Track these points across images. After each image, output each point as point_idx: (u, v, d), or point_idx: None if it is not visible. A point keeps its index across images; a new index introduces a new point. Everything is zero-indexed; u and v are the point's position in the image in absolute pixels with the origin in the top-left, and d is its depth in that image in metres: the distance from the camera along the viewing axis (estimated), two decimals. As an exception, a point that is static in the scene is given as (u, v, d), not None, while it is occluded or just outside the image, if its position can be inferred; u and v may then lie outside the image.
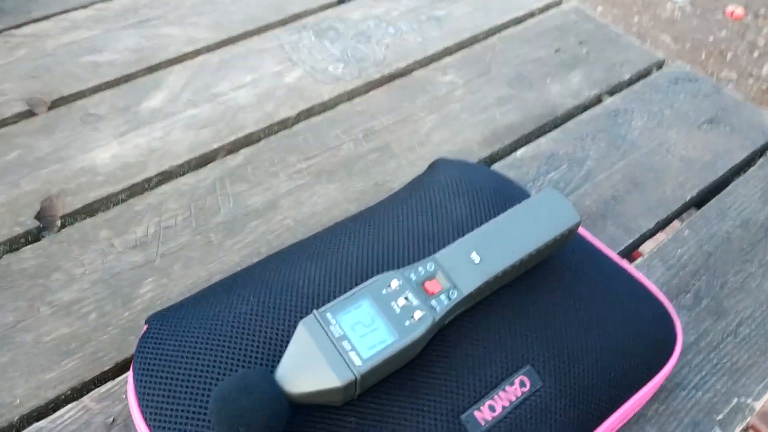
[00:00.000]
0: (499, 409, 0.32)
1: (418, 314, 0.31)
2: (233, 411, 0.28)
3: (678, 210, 0.51)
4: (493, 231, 0.35)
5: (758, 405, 0.39)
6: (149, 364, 0.34)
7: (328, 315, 0.31)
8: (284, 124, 0.55)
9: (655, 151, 0.55)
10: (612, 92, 0.62)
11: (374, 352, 0.30)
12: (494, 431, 0.32)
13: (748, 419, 0.39)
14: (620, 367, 0.36)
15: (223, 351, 0.33)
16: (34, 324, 0.40)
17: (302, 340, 0.30)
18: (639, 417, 0.38)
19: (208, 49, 0.62)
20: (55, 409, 0.37)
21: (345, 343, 0.30)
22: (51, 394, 0.37)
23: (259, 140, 0.54)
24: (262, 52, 0.61)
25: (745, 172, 0.55)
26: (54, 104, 0.55)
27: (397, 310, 0.31)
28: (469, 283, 0.33)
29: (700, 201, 0.53)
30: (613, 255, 0.42)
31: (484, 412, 0.32)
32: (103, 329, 0.40)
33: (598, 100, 0.61)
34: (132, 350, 0.39)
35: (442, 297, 0.32)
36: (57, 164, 0.50)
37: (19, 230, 0.45)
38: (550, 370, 0.34)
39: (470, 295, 0.33)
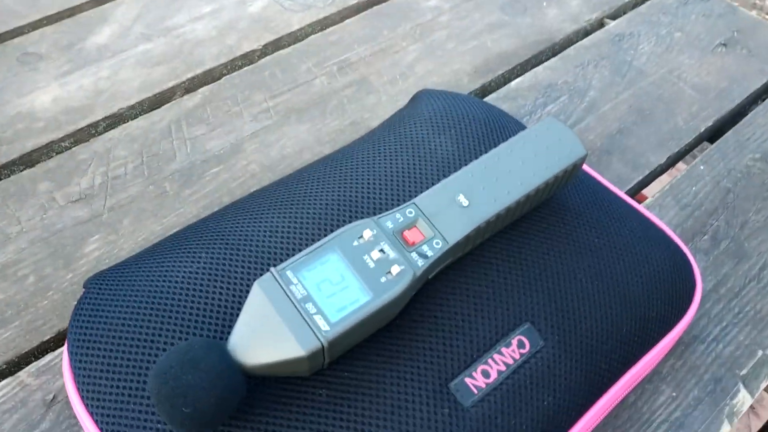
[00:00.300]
0: (494, 375, 0.27)
1: (396, 269, 0.26)
2: (176, 389, 0.23)
3: (691, 143, 0.46)
4: (483, 168, 0.29)
5: (786, 357, 0.35)
6: (85, 334, 0.29)
7: (289, 273, 0.26)
8: (248, 59, 0.49)
9: (664, 79, 0.50)
10: (615, 15, 0.56)
11: (344, 315, 0.25)
12: (489, 400, 0.27)
13: (775, 374, 0.34)
14: (632, 321, 0.31)
15: (169, 317, 0.28)
16: (-39, 291, 0.35)
17: (258, 302, 0.25)
18: (653, 375, 0.34)
19: (163, -23, 0.55)
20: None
21: (309, 305, 0.25)
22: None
23: (219, 77, 0.48)
24: (224, -20, 0.55)
25: (764, 99, 0.49)
26: (-12, 43, 0.49)
27: (371, 265, 0.26)
28: (456, 230, 0.28)
29: (715, 133, 0.48)
30: (621, 194, 0.36)
31: (477, 379, 0.27)
32: (42, 294, 0.35)
33: (600, 24, 0.55)
34: (74, 318, 0.34)
35: (425, 248, 0.27)
36: (-10, 110, 0.44)
37: (-55, 185, 0.40)
38: (552, 328, 0.29)
39: (458, 245, 0.28)
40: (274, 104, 0.46)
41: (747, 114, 0.48)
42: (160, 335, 0.28)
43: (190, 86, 0.47)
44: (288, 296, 0.25)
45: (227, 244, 0.30)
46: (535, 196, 0.30)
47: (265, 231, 0.31)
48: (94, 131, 0.44)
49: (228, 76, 0.48)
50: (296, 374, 0.26)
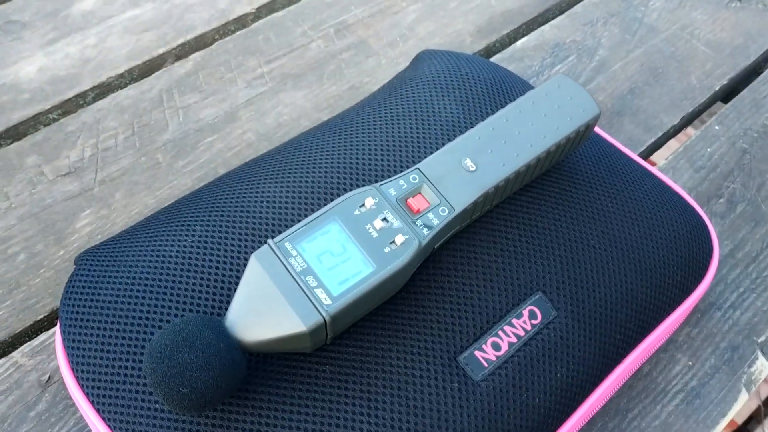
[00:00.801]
0: (505, 347, 0.26)
1: (400, 238, 0.25)
2: (171, 369, 0.22)
3: (705, 102, 0.44)
4: (491, 130, 0.28)
5: (807, 323, 0.34)
6: (78, 313, 0.27)
7: (287, 244, 0.24)
8: (241, 23, 0.47)
9: (677, 36, 0.47)
10: (624, -30, 0.53)
11: (347, 288, 0.24)
12: (499, 373, 0.26)
13: (795, 340, 0.33)
14: (648, 288, 0.29)
15: (163, 294, 0.27)
16: (-51, 271, 0.34)
17: (255, 276, 0.24)
18: (669, 343, 0.33)
19: (151, -61, 0.52)
20: (-26, 371, 0.31)
21: (310, 279, 0.24)
22: (-33, 355, 0.31)
23: (211, 43, 0.46)
24: (214, -60, 0.52)
25: (780, 55, 0.47)
26: (-31, 11, 0.47)
27: (374, 235, 0.25)
28: (463, 196, 0.26)
29: (730, 92, 0.46)
30: (635, 156, 0.35)
31: (487, 352, 0.26)
32: (34, 272, 0.34)
33: (607, -20, 0.53)
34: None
35: (430, 216, 0.26)
36: (-27, 81, 0.42)
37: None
38: (565, 297, 0.28)
39: (465, 212, 0.26)
40: (269, 70, 0.44)
41: (763, 71, 0.46)
42: (154, 312, 0.26)
43: (181, 53, 0.45)
44: (287, 269, 0.24)
45: (222, 215, 0.29)
46: (545, 159, 0.28)
47: (261, 201, 0.29)
48: (82, 102, 0.42)
49: (220, 41, 0.46)
50: (298, 351, 0.24)
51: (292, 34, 0.46)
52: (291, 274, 0.24)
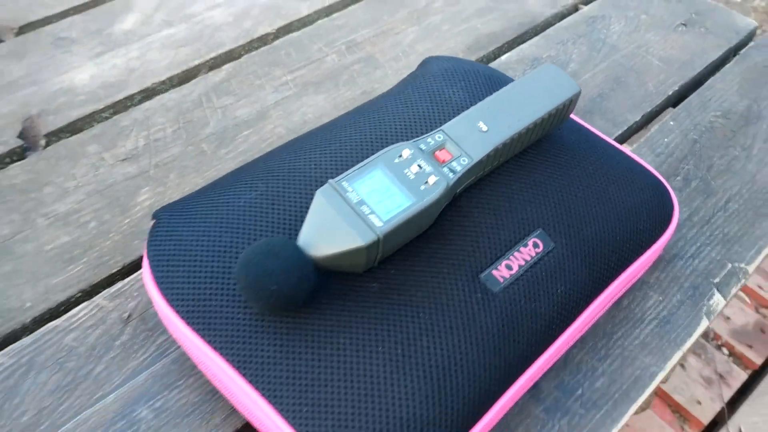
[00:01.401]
0: (515, 268, 0.33)
1: (432, 179, 0.31)
2: (263, 271, 0.28)
3: (661, 104, 0.52)
4: (498, 102, 0.35)
5: (751, 268, 0.41)
6: (164, 250, 0.33)
7: (344, 183, 0.31)
8: (264, 41, 0.54)
9: (634, 53, 0.56)
10: (588, 1, 0.62)
11: (393, 215, 0.30)
12: (513, 288, 0.32)
13: (743, 281, 0.40)
14: (624, 231, 0.36)
15: (237, 230, 0.32)
16: (33, 235, 0.39)
17: (321, 207, 0.30)
18: (642, 284, 0.40)
19: (178, -28, 0.60)
20: (67, 310, 0.36)
21: (364, 208, 0.30)
22: (61, 297, 0.36)
23: (240, 56, 0.52)
24: (235, -26, 0.60)
25: (720, 69, 0.56)
26: (21, 30, 0.53)
27: (411, 177, 0.31)
28: (479, 150, 0.33)
29: (679, 99, 0.54)
30: (608, 139, 0.42)
31: (502, 271, 0.32)
32: (104, 236, 0.39)
33: (575, 8, 0.62)
34: (137, 253, 0.39)
35: (454, 164, 0.32)
36: (32, 87, 0.48)
37: (2, 149, 0.44)
38: (560, 233, 0.34)
39: (480, 163, 0.33)
40: (292, 78, 0.51)
41: (706, 81, 0.55)
42: (232, 245, 0.32)
43: (214, 64, 0.52)
44: (345, 201, 0.30)
45: (278, 176, 0.35)
46: (540, 125, 0.35)
47: (309, 164, 0.36)
48: (130, 103, 0.48)
49: (247, 55, 0.53)
50: (353, 269, 0.30)
51: (309, 50, 0.53)
52: (349, 205, 0.30)
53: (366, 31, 0.56)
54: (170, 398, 0.33)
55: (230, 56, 0.52)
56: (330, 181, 0.31)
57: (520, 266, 0.33)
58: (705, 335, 1.14)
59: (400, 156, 0.32)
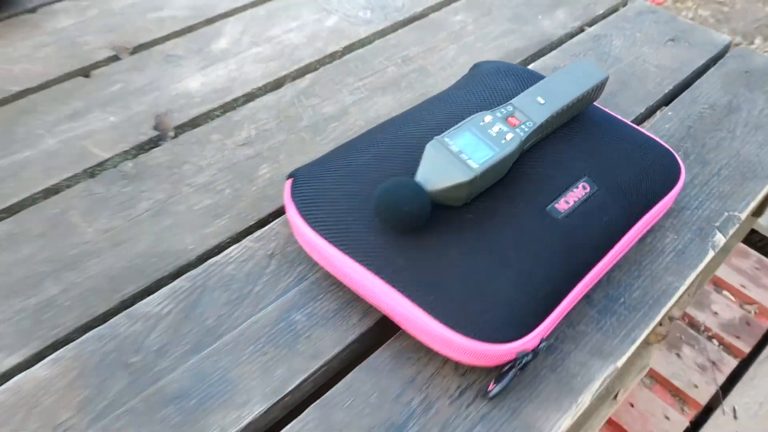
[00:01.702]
0: (571, 203, 0.44)
1: (509, 136, 0.43)
2: (396, 200, 0.39)
3: (660, 100, 0.65)
4: (550, 83, 0.47)
5: (743, 216, 0.52)
6: (305, 194, 0.44)
7: (446, 139, 0.42)
8: (334, 56, 0.66)
9: (634, 63, 0.69)
10: (591, 24, 0.75)
11: (485, 160, 0.41)
12: (570, 216, 0.43)
13: (736, 225, 0.52)
14: (646, 183, 0.48)
15: (362, 178, 0.43)
16: (182, 199, 0.49)
17: (431, 155, 0.41)
18: (659, 227, 0.51)
19: (254, 4, 0.72)
20: (221, 251, 0.46)
21: (463, 155, 0.41)
22: (214, 242, 0.47)
23: (317, 68, 0.64)
24: (300, 5, 0.72)
25: (704, 74, 0.69)
26: (135, 50, 0.64)
27: (494, 135, 0.43)
28: (539, 116, 0.45)
29: (673, 96, 0.67)
30: (625, 120, 0.54)
31: (561, 205, 0.43)
32: (239, 199, 0.50)
33: (581, 29, 0.74)
34: (267, 211, 0.49)
35: (522, 126, 0.44)
36: (156, 92, 0.59)
37: (143, 137, 0.54)
38: (600, 181, 0.46)
39: (540, 126, 0.45)
40: (363, 84, 0.62)
41: (694, 83, 0.67)
42: (360, 187, 0.43)
43: (298, 74, 0.63)
44: (449, 151, 0.41)
45: (384, 143, 0.46)
46: (582, 100, 0.47)
47: (405, 135, 0.47)
48: (236, 104, 0.59)
49: (323, 67, 0.64)
50: (455, 203, 0.41)
51: (372, 63, 0.65)
52: (452, 153, 0.41)
53: (415, 48, 0.68)
54: (316, 306, 0.43)
55: (309, 68, 0.64)
56: (435, 137, 0.42)
57: (574, 201, 0.44)
58: (696, 328, 1.25)
59: (484, 120, 0.44)
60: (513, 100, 0.45)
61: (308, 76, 0.63)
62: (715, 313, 1.28)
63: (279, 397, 0.39)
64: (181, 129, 0.56)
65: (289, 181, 0.46)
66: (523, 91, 0.51)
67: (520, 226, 0.42)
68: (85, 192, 0.50)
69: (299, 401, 0.40)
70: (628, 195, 0.46)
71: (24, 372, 0.39)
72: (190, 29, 0.67)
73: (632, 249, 0.49)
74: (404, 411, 0.39)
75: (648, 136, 0.52)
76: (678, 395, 1.16)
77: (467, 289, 0.39)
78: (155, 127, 0.55)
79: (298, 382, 0.39)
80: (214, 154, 0.53)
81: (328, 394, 0.39)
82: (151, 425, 0.37)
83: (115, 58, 0.63)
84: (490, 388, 0.39)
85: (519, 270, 0.40)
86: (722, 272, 1.35)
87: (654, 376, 1.18)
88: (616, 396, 0.71)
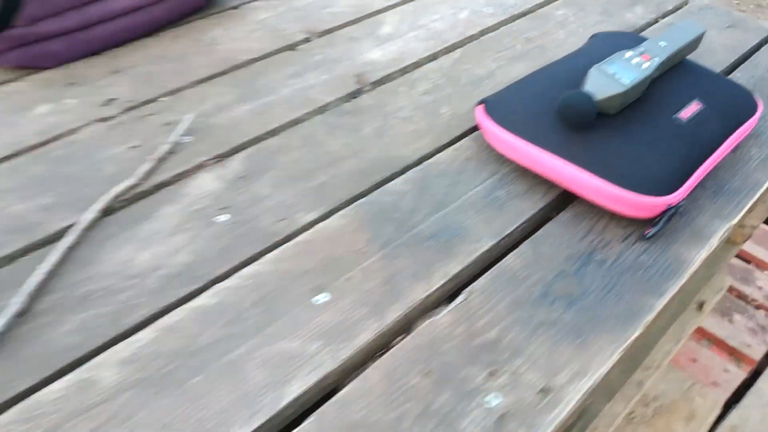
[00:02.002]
0: (689, 114, 0.62)
1: (645, 65, 0.61)
2: (577, 102, 0.57)
3: (728, 68, 0.83)
4: (667, 33, 0.65)
5: (805, 138, 0.70)
6: (496, 108, 0.62)
7: (603, 66, 0.60)
8: (472, 38, 0.85)
9: (702, 42, 0.87)
10: (663, 16, 0.94)
11: (632, 79, 0.59)
12: (690, 122, 0.61)
13: (802, 145, 0.69)
14: (735, 108, 0.66)
15: (540, 96, 0.62)
16: (393, 126, 0.68)
17: (594, 76, 0.60)
18: (744, 145, 0.68)
19: (403, 2, 0.91)
20: (431, 156, 0.64)
21: (616, 76, 0.59)
22: (425, 152, 0.65)
23: (463, 46, 0.83)
24: (437, 4, 0.92)
25: (759, 50, 0.87)
26: (321, 34, 0.84)
27: (634, 64, 0.61)
28: (664, 53, 0.63)
29: (737, 64, 0.85)
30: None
31: (683, 114, 0.61)
32: (433, 127, 0.68)
33: (656, 20, 0.93)
34: (455, 134, 0.67)
35: (653, 59, 0.62)
36: (348, 61, 0.78)
37: (350, 89, 0.73)
38: (706, 102, 0.64)
39: (664, 62, 0.63)
40: (500, 56, 0.81)
41: (752, 56, 0.86)
42: (539, 104, 0.61)
43: (449, 50, 0.82)
44: (606, 73, 0.60)
45: (552, 72, 0.65)
46: (689, 45, 0.66)
47: (568, 68, 0.65)
48: (409, 69, 0.78)
49: (466, 45, 0.83)
50: (609, 110, 0.59)
51: (502, 42, 0.84)
52: (608, 74, 0.60)
53: (533, 33, 0.87)
54: (511, 188, 0.61)
55: (456, 46, 0.83)
56: (594, 65, 0.60)
57: (691, 113, 0.62)
58: (744, 299, 1.41)
59: (626, 56, 0.62)
60: (642, 44, 0.64)
61: (458, 51, 0.82)
62: (760, 288, 1.44)
63: (500, 238, 0.56)
64: (375, 84, 0.75)
65: (480, 106, 0.64)
66: (638, 45, 0.69)
67: (658, 125, 0.60)
68: (321, 122, 0.68)
69: (516, 241, 0.57)
70: (724, 114, 0.64)
71: (322, 222, 0.57)
72: (358, 20, 0.87)
73: (728, 156, 0.66)
74: (588, 246, 0.56)
75: (731, 80, 0.70)
76: (733, 354, 1.31)
77: (628, 162, 0.57)
78: (357, 82, 0.74)
79: (510, 229, 0.57)
80: (405, 100, 0.72)
81: (534, 236, 0.57)
82: (419, 252, 0.54)
83: (308, 40, 0.82)
84: (646, 231, 0.56)
85: (663, 150, 0.58)
86: (764, 256, 1.51)
87: (710, 339, 1.33)
88: (701, 307, 0.88)
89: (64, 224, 0.55)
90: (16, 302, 0.48)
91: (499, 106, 0.63)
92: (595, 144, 0.58)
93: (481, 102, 0.64)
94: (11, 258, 0.53)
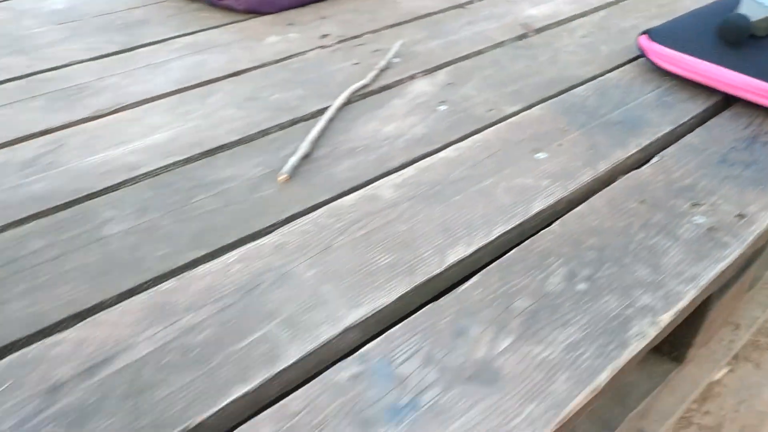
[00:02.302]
0: (829, 38, 0.73)
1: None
2: (737, 21, 0.69)
3: None
4: (803, -21, 0.78)
5: None
6: (661, 34, 0.74)
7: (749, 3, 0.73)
8: (611, 4, 0.98)
9: None
10: None
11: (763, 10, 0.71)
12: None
13: None
14: None
15: (704, 20, 0.74)
16: (562, 56, 0.81)
17: (746, 3, 0.72)
18: None
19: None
20: (604, 74, 0.76)
21: (765, 4, 0.71)
22: (594, 73, 0.77)
23: (607, 8, 0.96)
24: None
25: None
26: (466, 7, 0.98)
27: (763, 4, 0.73)
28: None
29: None
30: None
31: (822, 38, 0.73)
32: (596, 57, 0.81)
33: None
34: (617, 62, 0.79)
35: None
36: (511, 15, 0.92)
37: (518, 33, 0.86)
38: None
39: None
40: (640, 15, 0.94)
41: None
42: (701, 26, 0.73)
43: (592, 11, 0.95)
44: (757, 2, 0.72)
45: (706, 7, 0.77)
46: (824, -12, 0.77)
47: (720, 6, 0.78)
48: (563, 23, 0.91)
49: (608, 8, 0.96)
50: (761, 32, 0.71)
51: (638, 7, 0.97)
52: (759, 1, 0.72)
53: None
54: (675, 95, 0.72)
55: (600, 8, 0.96)
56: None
57: (831, 36, 0.73)
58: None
59: (755, 1, 0.74)
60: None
61: (603, 11, 0.95)
62: None
63: (676, 125, 0.67)
64: (538, 31, 0.88)
65: (643, 36, 0.76)
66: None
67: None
68: (501, 53, 0.82)
69: (689, 129, 0.68)
70: None
71: (525, 111, 0.69)
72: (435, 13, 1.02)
73: None
74: (752, 132, 0.67)
75: None
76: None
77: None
78: (523, 28, 0.88)
79: (683, 120, 0.68)
80: (568, 40, 0.85)
81: (704, 125, 0.68)
82: (611, 132, 0.66)
83: (472, 2, 0.97)
84: (801, 123, 0.67)
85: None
86: None
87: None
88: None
89: (317, 108, 0.69)
90: (302, 147, 0.61)
91: (663, 33, 0.75)
92: (751, 54, 0.69)
93: (643, 32, 0.77)
94: (281, 126, 0.66)
